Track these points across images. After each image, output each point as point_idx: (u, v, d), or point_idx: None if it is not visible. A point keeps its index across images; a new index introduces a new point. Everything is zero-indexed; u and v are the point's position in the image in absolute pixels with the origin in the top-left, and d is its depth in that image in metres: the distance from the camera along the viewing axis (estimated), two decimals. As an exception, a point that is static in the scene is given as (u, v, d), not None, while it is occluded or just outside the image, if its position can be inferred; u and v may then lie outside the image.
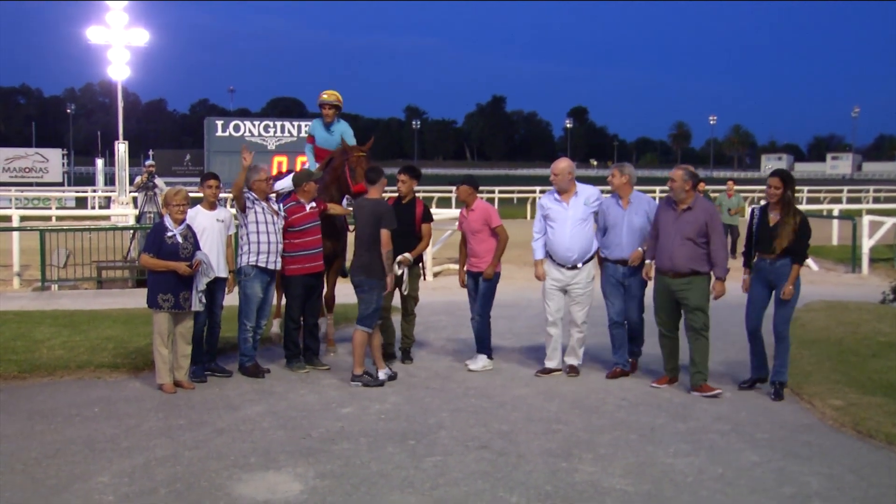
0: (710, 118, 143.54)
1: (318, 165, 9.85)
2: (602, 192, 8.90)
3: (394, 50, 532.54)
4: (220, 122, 35.28)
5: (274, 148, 35.87)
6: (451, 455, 6.18)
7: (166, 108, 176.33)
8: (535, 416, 7.22)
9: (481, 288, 8.83)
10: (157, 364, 7.93)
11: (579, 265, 8.45)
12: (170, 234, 7.89)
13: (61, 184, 52.49)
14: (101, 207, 35.36)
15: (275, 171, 27.94)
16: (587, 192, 8.54)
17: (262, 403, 7.55)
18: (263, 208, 8.44)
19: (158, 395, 7.80)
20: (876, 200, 47.70)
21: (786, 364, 7.79)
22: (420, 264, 9.39)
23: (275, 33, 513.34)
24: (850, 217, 20.03)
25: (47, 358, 8.79)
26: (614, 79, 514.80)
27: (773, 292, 7.81)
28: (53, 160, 53.07)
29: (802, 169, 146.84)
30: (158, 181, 18.31)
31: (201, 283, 8.00)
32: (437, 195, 41.87)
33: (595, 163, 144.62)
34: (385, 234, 8.15)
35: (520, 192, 47.35)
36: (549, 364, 8.63)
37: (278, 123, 35.51)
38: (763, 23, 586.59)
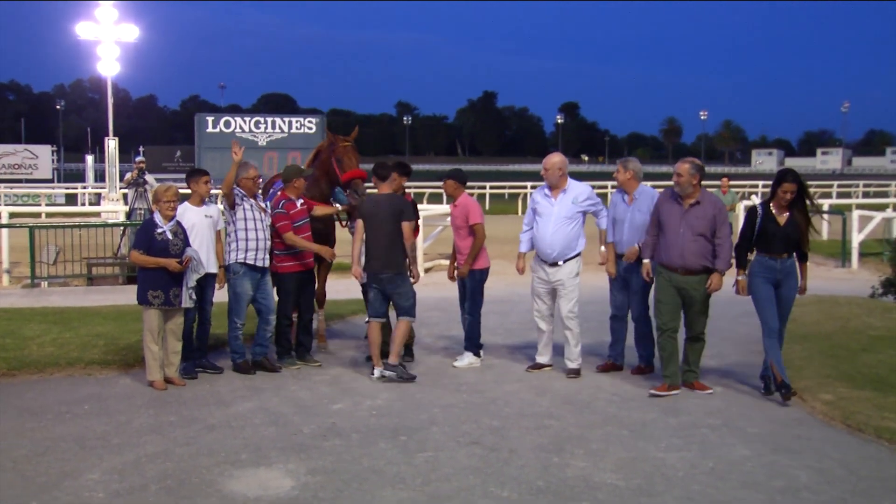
0: (701, 113, 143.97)
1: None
2: (595, 187, 8.89)
3: (385, 46, 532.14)
4: (210, 119, 35.19)
5: (265, 144, 35.81)
6: (442, 451, 6.18)
7: (157, 104, 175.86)
8: (527, 411, 7.22)
9: (468, 286, 8.82)
10: (147, 361, 7.90)
11: (560, 262, 8.33)
12: (160, 230, 7.86)
13: (51, 180, 52.31)
14: (91, 204, 35.23)
15: (266, 169, 27.91)
16: (577, 191, 8.43)
17: (253, 400, 7.54)
18: (252, 205, 8.41)
19: (149, 391, 7.78)
20: (866, 195, 47.86)
21: (781, 359, 7.65)
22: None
23: (266, 29, 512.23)
24: (840, 212, 20.09)
25: (37, 355, 8.76)
26: (605, 74, 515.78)
27: (776, 291, 7.57)
28: (43, 157, 52.89)
29: (793, 164, 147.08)
30: (149, 177, 18.23)
31: (191, 279, 7.99)
32: (428, 191, 41.86)
33: (586, 158, 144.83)
34: (407, 227, 8.26)
35: (511, 187, 47.37)
36: (540, 359, 8.60)
37: (269, 119, 35.43)
38: (754, 18, 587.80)
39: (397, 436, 6.52)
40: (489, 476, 5.67)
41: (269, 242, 8.48)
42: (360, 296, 10.52)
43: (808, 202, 7.56)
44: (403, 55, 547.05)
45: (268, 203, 8.67)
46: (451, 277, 9.04)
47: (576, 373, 8.36)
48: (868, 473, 5.74)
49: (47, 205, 35.28)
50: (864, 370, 8.20)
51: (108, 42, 26.52)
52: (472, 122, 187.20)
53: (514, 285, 14.57)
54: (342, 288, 12.92)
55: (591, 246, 8.97)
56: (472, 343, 8.89)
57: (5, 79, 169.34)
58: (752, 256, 7.73)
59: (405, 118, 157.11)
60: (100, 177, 44.34)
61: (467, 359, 8.81)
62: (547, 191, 8.48)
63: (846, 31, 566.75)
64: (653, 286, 8.04)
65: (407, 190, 9.19)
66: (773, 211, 7.54)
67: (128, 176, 18.80)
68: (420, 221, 9.37)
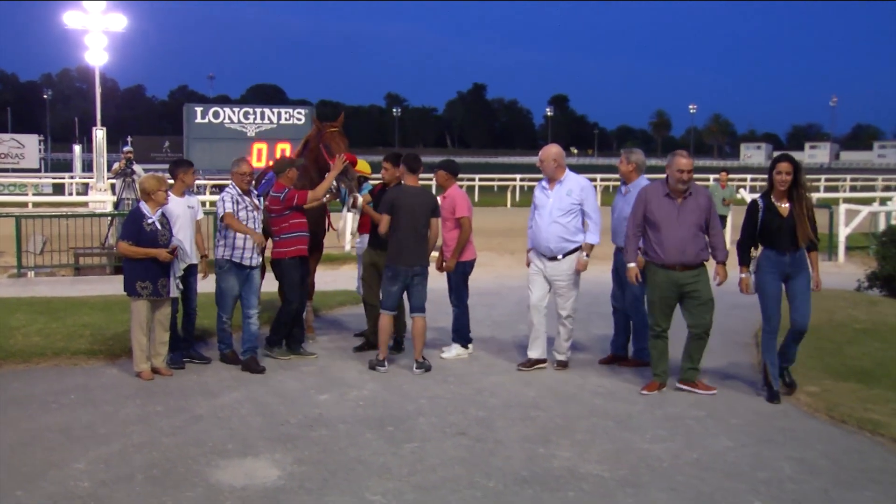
0: (690, 107, 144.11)
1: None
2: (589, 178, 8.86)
3: (375, 37, 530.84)
4: (199, 109, 35.04)
5: (254, 135, 35.71)
6: (428, 441, 6.20)
7: (145, 94, 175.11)
8: (513, 402, 7.25)
9: (452, 279, 8.81)
10: (134, 352, 7.89)
11: (559, 257, 8.11)
12: (149, 220, 7.82)
13: (38, 170, 51.96)
14: (78, 194, 35.04)
15: (254, 159, 27.82)
16: (570, 184, 8.16)
17: (240, 390, 7.54)
18: (247, 205, 8.25)
19: (136, 381, 7.77)
20: (853, 189, 48.09)
21: (795, 355, 7.47)
22: None
23: (255, 20, 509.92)
24: (826, 205, 20.19)
25: (23, 345, 8.73)
26: (595, 67, 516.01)
27: (788, 285, 7.26)
28: (30, 146, 52.48)
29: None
30: (137, 168, 18.17)
31: (178, 268, 8.00)
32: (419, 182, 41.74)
33: (576, 151, 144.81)
34: (436, 222, 8.36)
35: (500, 179, 47.36)
36: (532, 354, 8.38)
37: (258, 110, 35.25)
38: (743, 13, 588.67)
39: (384, 426, 6.53)
40: (475, 466, 5.69)
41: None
42: (348, 287, 10.57)
43: (801, 190, 7.18)
44: (393, 47, 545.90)
45: (259, 195, 8.60)
46: (440, 269, 9.03)
47: (563, 365, 8.31)
48: (851, 464, 5.79)
49: (34, 194, 35.06)
50: (848, 362, 8.27)
51: (95, 31, 26.33)
52: (461, 114, 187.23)
53: (502, 277, 14.61)
54: (329, 279, 12.93)
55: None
56: (460, 335, 8.90)
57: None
58: (755, 253, 7.41)
59: (395, 110, 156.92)
60: (87, 167, 44.16)
61: (454, 350, 8.82)
62: (545, 183, 8.28)
63: (835, 26, 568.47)
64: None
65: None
66: (774, 202, 7.20)
67: (115, 166, 18.74)
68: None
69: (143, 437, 6.23)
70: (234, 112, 35.16)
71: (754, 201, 7.39)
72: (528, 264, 8.41)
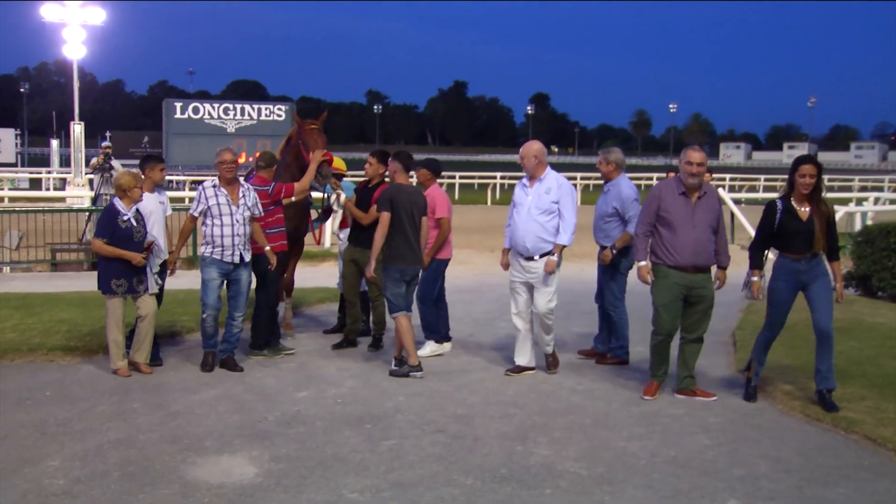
0: (671, 106, 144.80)
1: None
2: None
3: (356, 34, 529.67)
4: (178, 104, 34.86)
5: (234, 131, 35.56)
6: (407, 438, 6.20)
7: (124, 88, 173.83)
8: (492, 400, 7.26)
9: (422, 273, 8.77)
10: (110, 349, 7.84)
11: (536, 257, 7.84)
12: (124, 217, 7.76)
13: (14, 164, 51.51)
14: (55, 189, 34.76)
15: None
16: (549, 182, 7.91)
17: (218, 387, 7.51)
18: (227, 199, 7.95)
19: (112, 378, 7.71)
20: (830, 189, 48.37)
21: (833, 367, 6.93)
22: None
23: (235, 15, 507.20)
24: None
25: (-2, 341, 8.64)
26: (576, 66, 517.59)
27: (806, 292, 6.95)
28: (6, 140, 52.04)
29: (760, 157, 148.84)
30: (115, 163, 18.00)
31: (155, 264, 7.96)
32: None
33: (556, 149, 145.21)
34: (426, 221, 8.28)
35: (481, 177, 47.39)
36: (519, 361, 8.12)
37: (238, 106, 35.16)
38: (724, 13, 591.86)
39: (362, 424, 6.52)
40: (453, 464, 5.69)
41: (240, 238, 7.99)
42: (328, 284, 10.55)
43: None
44: (375, 43, 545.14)
45: (249, 186, 8.23)
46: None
47: (553, 361, 8.13)
48: (824, 462, 5.85)
49: (10, 189, 34.73)
50: (823, 361, 8.31)
51: (73, 25, 26.14)
52: (442, 111, 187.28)
53: (482, 275, 14.63)
54: (309, 276, 12.89)
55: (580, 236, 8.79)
56: (430, 330, 8.87)
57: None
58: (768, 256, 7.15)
59: (375, 107, 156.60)
60: (65, 161, 43.79)
61: (428, 347, 8.78)
62: (525, 181, 8.04)
63: (813, 27, 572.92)
64: (630, 282, 7.91)
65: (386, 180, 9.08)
66: (794, 205, 6.86)
67: (94, 161, 18.56)
68: None
69: (119, 434, 6.19)
70: (213, 108, 35.03)
71: (773, 203, 7.03)
72: (505, 265, 8.22)
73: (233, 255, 7.98)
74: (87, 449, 5.88)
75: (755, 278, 7.03)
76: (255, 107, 35.55)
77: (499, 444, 6.11)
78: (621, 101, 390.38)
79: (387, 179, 8.84)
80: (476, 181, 47.20)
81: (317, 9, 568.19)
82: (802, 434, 6.44)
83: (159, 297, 8.27)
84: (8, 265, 15.02)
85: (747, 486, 5.38)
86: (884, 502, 5.22)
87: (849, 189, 46.90)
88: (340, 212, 9.53)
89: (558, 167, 8.97)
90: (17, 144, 55.38)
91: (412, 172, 8.55)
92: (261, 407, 6.92)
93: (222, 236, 7.93)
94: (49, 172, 41.41)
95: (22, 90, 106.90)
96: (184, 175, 31.77)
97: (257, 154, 9.75)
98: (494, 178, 42.84)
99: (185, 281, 8.65)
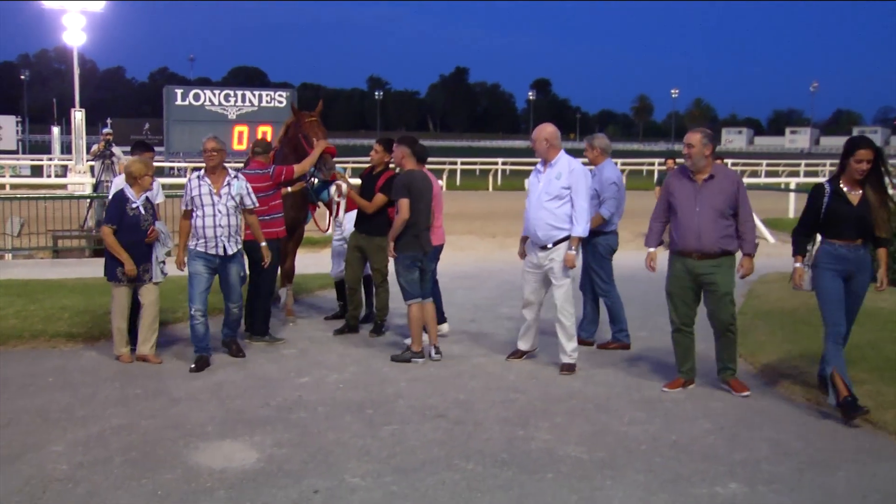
0: (672, 91, 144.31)
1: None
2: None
3: (357, 20, 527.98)
4: (179, 91, 34.73)
5: (235, 117, 35.45)
6: (408, 424, 6.21)
7: (125, 75, 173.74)
8: (493, 385, 7.27)
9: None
10: (114, 336, 7.85)
11: (549, 245, 7.53)
12: (133, 205, 7.71)
13: (16, 152, 51.45)
14: (57, 176, 34.73)
15: (235, 142, 27.62)
16: (560, 167, 7.56)
17: (219, 373, 7.52)
18: (210, 189, 7.65)
19: (115, 364, 7.73)
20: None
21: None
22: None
23: (236, 2, 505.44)
24: (807, 190, 20.29)
25: (0, 328, 8.66)
26: (577, 51, 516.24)
27: (847, 283, 6.51)
28: (7, 127, 51.95)
29: (762, 143, 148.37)
30: (116, 150, 17.98)
31: (161, 253, 7.91)
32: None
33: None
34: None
35: (482, 163, 47.30)
36: (521, 346, 8.03)
37: (239, 93, 35.03)
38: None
39: (363, 409, 6.54)
40: (454, 449, 5.71)
41: (230, 228, 7.70)
42: (328, 270, 10.50)
43: (886, 177, 6.43)
44: (375, 30, 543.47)
45: (240, 176, 7.99)
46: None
47: (570, 368, 7.62)
48: (825, 445, 5.86)
49: (12, 176, 34.69)
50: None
51: (73, 11, 26.05)
52: (443, 97, 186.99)
53: (482, 261, 14.63)
54: (310, 262, 12.88)
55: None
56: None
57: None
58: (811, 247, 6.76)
59: (376, 93, 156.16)
60: (66, 149, 43.71)
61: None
62: (539, 166, 7.73)
63: (816, 11, 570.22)
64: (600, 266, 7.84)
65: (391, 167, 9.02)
66: (844, 188, 6.44)
67: (94, 148, 18.53)
68: None
69: (121, 420, 6.21)
70: (214, 94, 34.91)
71: (820, 185, 6.65)
72: (522, 254, 7.90)
73: (216, 247, 7.65)
74: (89, 435, 5.90)
75: (797, 265, 6.61)
76: (256, 93, 35.43)
77: (500, 428, 6.13)
78: (623, 87, 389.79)
79: (391, 167, 8.83)
80: (477, 167, 47.07)
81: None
82: (803, 418, 6.45)
83: None
84: (10, 252, 15.03)
85: (748, 470, 5.40)
86: (884, 486, 5.23)
87: (851, 174, 46.75)
88: (343, 200, 9.52)
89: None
90: (18, 132, 55.26)
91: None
92: (262, 393, 6.94)
93: (204, 227, 7.63)
94: (50, 160, 41.34)
95: (22, 77, 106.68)
96: (185, 162, 31.72)
97: (277, 143, 9.71)
98: (496, 164, 42.73)
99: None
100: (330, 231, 9.95)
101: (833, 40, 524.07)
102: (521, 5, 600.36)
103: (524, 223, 7.81)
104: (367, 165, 9.17)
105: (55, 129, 49.22)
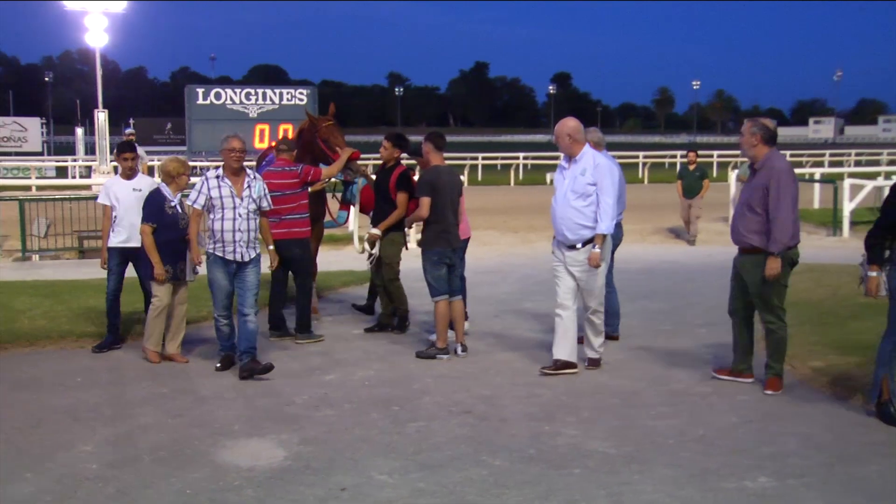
0: (694, 83, 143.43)
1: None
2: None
3: (377, 16, 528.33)
4: (200, 90, 34.90)
5: (256, 116, 35.59)
6: (434, 420, 6.21)
7: (146, 76, 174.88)
8: (518, 380, 7.26)
9: None
10: (148, 328, 7.81)
11: (578, 245, 7.25)
12: (171, 203, 7.74)
13: (41, 153, 51.90)
14: (81, 177, 35.01)
15: (257, 140, 27.74)
16: (584, 162, 7.26)
17: (245, 371, 7.55)
18: (231, 191, 7.37)
19: (141, 363, 7.79)
20: (857, 164, 47.81)
21: None
22: (403, 232, 8.96)
23: (256, 0, 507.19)
24: (831, 181, 20.10)
25: (29, 328, 8.76)
26: (598, 44, 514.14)
27: None
28: (32, 129, 52.37)
29: (785, 133, 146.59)
30: (139, 150, 18.13)
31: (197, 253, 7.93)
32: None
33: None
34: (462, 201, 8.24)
35: (503, 158, 47.23)
36: (559, 355, 7.39)
37: (260, 91, 35.14)
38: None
39: (389, 406, 6.55)
40: (481, 445, 5.70)
41: (249, 233, 7.42)
42: (352, 267, 10.57)
43: None
44: (395, 26, 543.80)
45: (258, 176, 7.85)
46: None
47: (595, 363, 7.54)
48: (855, 439, 5.80)
49: (37, 178, 35.02)
50: (852, 337, 8.25)
51: (95, 12, 26.22)
52: (463, 92, 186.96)
53: (505, 255, 14.62)
54: (333, 259, 12.92)
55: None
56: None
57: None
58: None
59: (397, 89, 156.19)
60: (90, 149, 44.06)
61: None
62: (564, 162, 7.45)
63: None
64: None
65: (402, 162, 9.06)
66: None
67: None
68: None
69: (149, 419, 6.26)
70: (235, 93, 35.04)
71: None
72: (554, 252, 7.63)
73: (234, 252, 7.37)
74: (118, 434, 5.95)
75: (873, 273, 6.05)
76: (277, 91, 35.53)
77: (526, 424, 6.12)
78: (644, 79, 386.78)
79: (403, 162, 8.85)
80: (499, 162, 47.03)
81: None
82: (832, 411, 6.39)
83: (142, 287, 8.22)
84: (37, 253, 15.18)
85: (777, 464, 5.35)
86: (916, 479, 5.17)
87: (877, 163, 46.30)
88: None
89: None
90: (42, 133, 55.76)
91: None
92: (288, 390, 6.96)
93: (223, 231, 7.34)
94: (74, 160, 41.67)
95: (47, 79, 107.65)
96: (207, 161, 31.90)
97: (273, 143, 9.76)
98: (517, 158, 42.63)
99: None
100: (351, 227, 10.05)
101: (857, 28, 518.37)
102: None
103: (552, 222, 7.52)
104: (381, 162, 9.17)
105: (79, 130, 49.60)
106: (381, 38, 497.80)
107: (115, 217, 8.09)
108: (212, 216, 7.43)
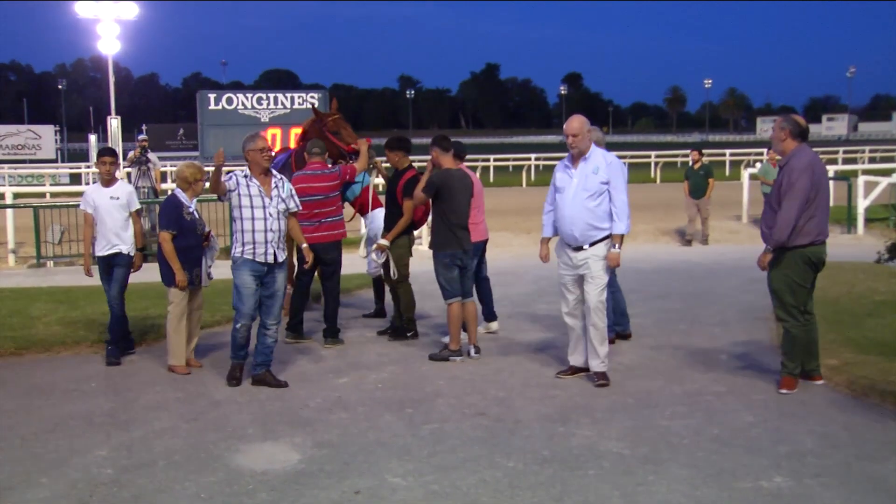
0: (706, 82, 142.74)
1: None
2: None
3: (387, 19, 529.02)
4: (212, 96, 35.06)
5: (267, 120, 35.69)
6: (448, 422, 6.20)
7: (158, 82, 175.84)
8: (532, 381, 7.24)
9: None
10: (171, 344, 7.65)
11: (585, 247, 7.02)
12: (189, 209, 7.71)
13: (55, 160, 52.18)
14: (95, 183, 35.26)
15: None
16: (597, 161, 7.07)
17: (259, 375, 7.55)
18: (259, 189, 7.14)
19: (155, 369, 7.80)
20: (872, 160, 47.53)
21: None
22: (409, 236, 8.89)
23: (266, 4, 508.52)
24: (845, 178, 19.97)
25: (44, 334, 8.80)
26: (608, 44, 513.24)
27: None
28: (46, 137, 52.73)
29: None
30: (152, 156, 18.20)
31: (211, 257, 7.94)
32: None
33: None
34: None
35: (515, 159, 47.19)
36: (574, 361, 7.36)
37: (271, 96, 35.34)
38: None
39: (403, 408, 6.54)
40: (495, 446, 5.69)
41: (279, 234, 7.19)
42: (361, 269, 10.55)
43: None
44: (406, 28, 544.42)
45: (283, 178, 7.46)
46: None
47: (604, 378, 7.08)
48: (873, 437, 5.75)
49: (51, 185, 35.22)
50: (868, 334, 8.20)
51: (107, 20, 26.39)
52: (475, 94, 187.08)
53: (518, 256, 14.59)
54: (346, 262, 12.91)
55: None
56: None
57: (6, 59, 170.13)
58: None
59: (408, 92, 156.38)
60: (103, 156, 44.25)
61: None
62: (567, 161, 7.22)
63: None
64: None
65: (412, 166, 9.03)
66: None
67: (130, 154, 18.76)
68: None
69: (163, 424, 6.27)
70: (247, 98, 35.23)
71: None
72: (544, 257, 7.43)
73: (266, 253, 7.11)
74: (133, 439, 5.96)
75: None
76: (289, 95, 35.65)
77: (540, 425, 6.10)
78: (655, 79, 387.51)
79: (415, 165, 8.87)
80: (511, 163, 46.99)
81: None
82: (849, 409, 6.34)
83: (108, 295, 8.17)
84: (52, 259, 15.26)
85: (793, 463, 5.32)
86: (934, 477, 5.12)
87: (891, 160, 46.02)
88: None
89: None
90: (56, 140, 56.07)
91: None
92: (302, 394, 6.97)
93: (254, 231, 7.08)
94: (88, 167, 41.82)
95: (60, 87, 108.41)
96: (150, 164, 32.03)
97: (297, 144, 9.75)
98: (529, 159, 42.58)
99: (222, 271, 8.70)
100: (363, 230, 10.05)
101: (870, 24, 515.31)
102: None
103: (548, 223, 7.38)
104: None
105: (92, 137, 49.75)
106: (392, 41, 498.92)
107: (96, 225, 8.06)
108: (239, 215, 7.14)
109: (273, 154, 7.70)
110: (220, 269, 8.63)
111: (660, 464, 5.36)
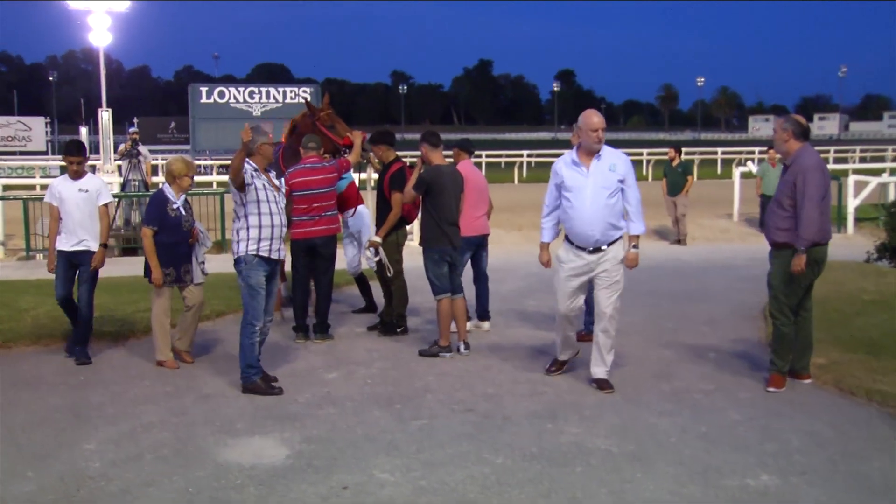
0: (698, 80, 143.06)
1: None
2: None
3: (380, 14, 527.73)
4: (204, 89, 34.89)
5: (259, 114, 35.56)
6: (436, 418, 6.21)
7: (150, 74, 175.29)
8: (521, 378, 7.25)
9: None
10: (156, 340, 7.65)
11: (604, 247, 6.74)
12: (174, 205, 7.59)
13: (45, 152, 52.00)
14: (63, 174, 35.09)
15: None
16: (612, 158, 6.78)
17: (248, 369, 7.54)
18: (265, 184, 6.96)
19: (144, 362, 7.79)
20: (862, 160, 47.72)
21: None
22: (399, 231, 8.84)
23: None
24: (835, 177, 20.00)
25: (32, 326, 8.78)
26: (601, 41, 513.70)
27: None
28: (36, 129, 52.57)
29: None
30: (142, 149, 18.16)
31: (201, 253, 7.87)
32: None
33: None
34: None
35: (507, 156, 47.22)
36: (563, 357, 7.31)
37: (263, 89, 35.20)
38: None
39: (392, 404, 6.54)
40: (483, 443, 5.70)
41: (284, 229, 7.10)
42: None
43: None
44: (398, 23, 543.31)
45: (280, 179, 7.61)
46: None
47: (607, 385, 6.85)
48: (858, 435, 5.79)
49: (42, 177, 35.09)
50: (857, 333, 8.24)
51: (99, 11, 26.22)
52: (467, 90, 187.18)
53: (510, 253, 14.62)
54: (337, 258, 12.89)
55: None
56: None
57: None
58: None
59: (400, 87, 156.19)
60: (94, 148, 44.14)
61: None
62: (575, 158, 6.82)
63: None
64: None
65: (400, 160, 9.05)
66: None
67: (121, 147, 18.73)
68: None
69: (151, 417, 6.26)
70: (239, 91, 35.09)
71: None
72: (546, 262, 7.19)
73: (279, 249, 6.95)
74: (121, 432, 5.95)
75: None
76: (281, 89, 35.52)
77: (528, 422, 6.11)
78: (647, 76, 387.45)
79: (405, 161, 8.86)
80: (503, 160, 47.02)
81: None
82: (835, 408, 6.38)
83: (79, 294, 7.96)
84: (41, 252, 15.20)
85: (779, 461, 5.34)
86: (919, 476, 5.15)
87: (882, 160, 46.18)
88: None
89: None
90: (47, 132, 55.88)
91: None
92: (291, 388, 6.96)
93: (272, 226, 6.88)
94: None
95: (51, 78, 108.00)
96: (211, 160, 31.92)
97: (284, 139, 9.69)
98: (521, 156, 42.63)
99: (214, 265, 8.68)
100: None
101: (862, 24, 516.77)
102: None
103: (549, 227, 7.17)
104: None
105: (83, 130, 49.49)
106: (385, 36, 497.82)
107: (62, 218, 7.76)
108: (255, 210, 6.84)
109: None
110: (210, 265, 8.59)
111: (647, 461, 5.38)
